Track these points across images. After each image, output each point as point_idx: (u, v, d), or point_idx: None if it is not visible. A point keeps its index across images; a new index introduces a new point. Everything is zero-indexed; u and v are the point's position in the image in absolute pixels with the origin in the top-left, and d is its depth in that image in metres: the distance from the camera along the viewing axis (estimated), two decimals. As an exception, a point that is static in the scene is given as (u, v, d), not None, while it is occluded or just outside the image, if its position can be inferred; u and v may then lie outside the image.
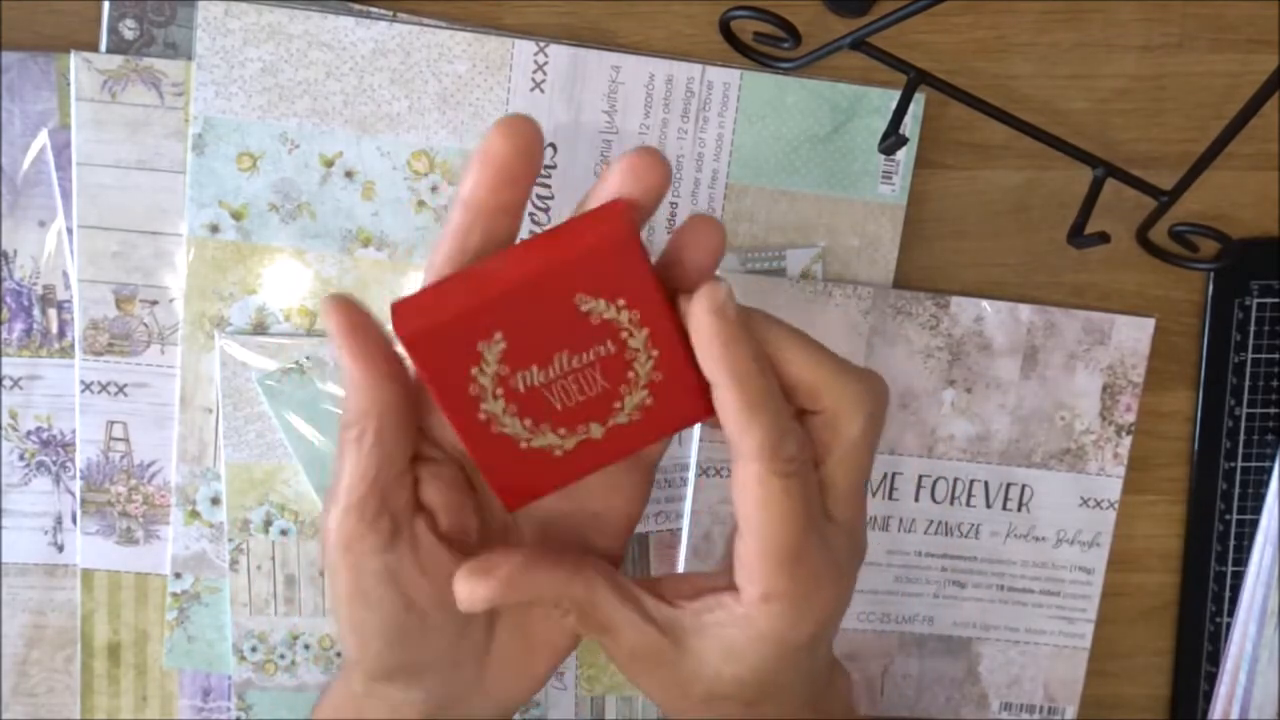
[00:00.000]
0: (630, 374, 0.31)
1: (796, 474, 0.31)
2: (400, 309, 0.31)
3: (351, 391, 0.31)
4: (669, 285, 0.31)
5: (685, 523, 0.51)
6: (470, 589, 0.32)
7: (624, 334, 0.31)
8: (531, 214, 0.49)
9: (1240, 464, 0.53)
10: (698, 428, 0.50)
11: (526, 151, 0.30)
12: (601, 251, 0.29)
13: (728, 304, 0.29)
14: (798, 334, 0.32)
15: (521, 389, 0.31)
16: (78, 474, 0.50)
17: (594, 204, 0.31)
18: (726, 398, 0.30)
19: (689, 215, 0.32)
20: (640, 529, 0.49)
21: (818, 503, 0.32)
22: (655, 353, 0.31)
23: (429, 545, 0.33)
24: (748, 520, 0.31)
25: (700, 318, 0.29)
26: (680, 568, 0.51)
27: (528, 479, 0.33)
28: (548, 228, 0.31)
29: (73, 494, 0.50)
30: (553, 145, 0.49)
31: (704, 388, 0.31)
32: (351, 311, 0.31)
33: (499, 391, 0.31)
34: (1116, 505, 0.53)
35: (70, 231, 0.48)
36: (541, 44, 0.48)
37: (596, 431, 0.32)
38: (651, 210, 0.31)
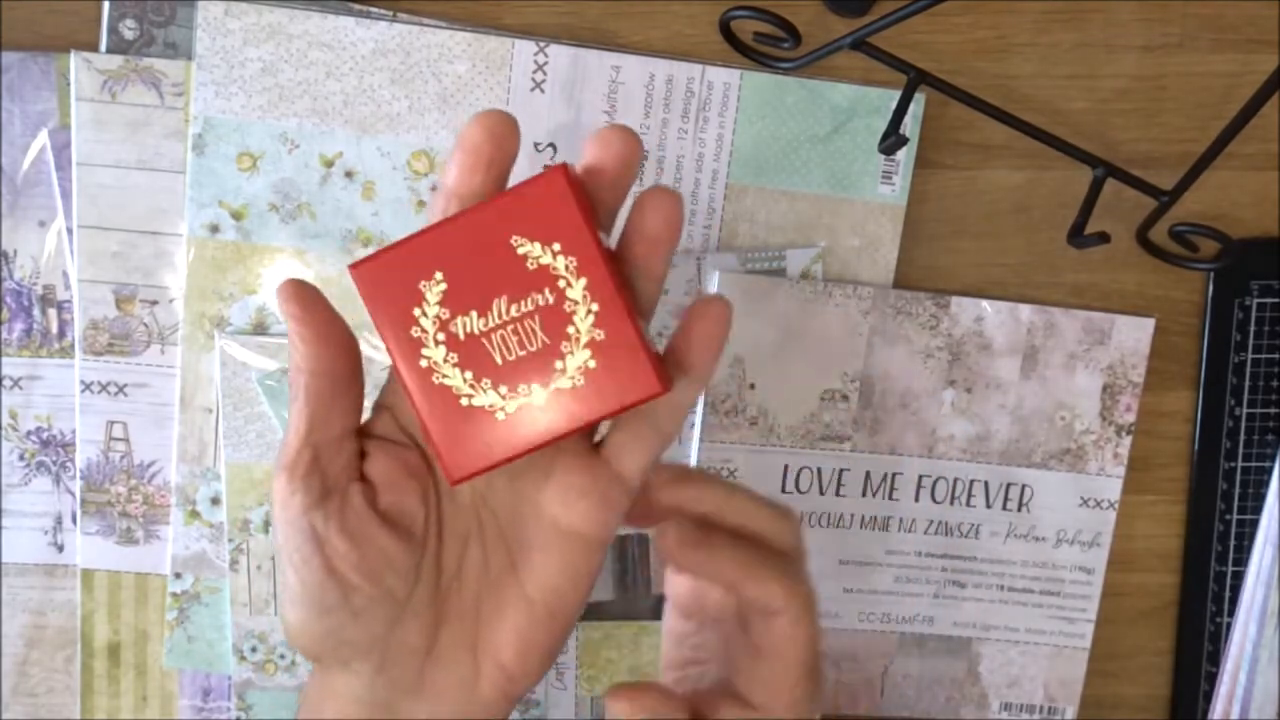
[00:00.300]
0: (570, 329, 0.31)
1: (808, 602, 0.35)
2: (358, 261, 0.32)
3: (291, 351, 0.33)
4: (627, 261, 0.32)
5: (685, 523, 0.51)
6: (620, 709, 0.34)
7: (561, 282, 0.31)
8: (531, 214, 0.49)
9: (1240, 464, 0.53)
10: (697, 428, 0.50)
11: (499, 136, 0.32)
12: (535, 194, 0.30)
13: (687, 538, 0.34)
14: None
15: (461, 335, 0.31)
16: (78, 474, 0.50)
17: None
18: (740, 588, 0.35)
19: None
20: (640, 529, 0.49)
21: (818, 615, 0.37)
22: (595, 307, 0.31)
23: (359, 512, 0.33)
24: (778, 653, 0.35)
25: (671, 563, 0.34)
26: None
27: (470, 445, 0.32)
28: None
29: (73, 494, 0.50)
30: (553, 145, 0.49)
31: (650, 356, 0.31)
32: (300, 284, 0.33)
33: (440, 337, 0.31)
34: (1116, 505, 0.53)
35: (70, 231, 0.48)
36: (541, 44, 0.48)
37: (539, 396, 0.31)
38: (624, 179, 0.32)
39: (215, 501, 0.50)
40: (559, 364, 0.31)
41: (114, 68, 0.47)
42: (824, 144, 0.49)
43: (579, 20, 0.48)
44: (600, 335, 0.31)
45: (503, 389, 0.32)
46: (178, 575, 0.51)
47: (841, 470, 0.51)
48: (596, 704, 0.53)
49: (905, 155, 0.49)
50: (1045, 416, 0.52)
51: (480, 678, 0.35)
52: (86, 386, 0.49)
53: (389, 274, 0.31)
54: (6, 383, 0.49)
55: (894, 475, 0.52)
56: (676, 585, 0.39)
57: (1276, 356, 0.52)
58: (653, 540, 0.32)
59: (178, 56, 0.47)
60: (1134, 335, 0.51)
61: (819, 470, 0.51)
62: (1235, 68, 0.50)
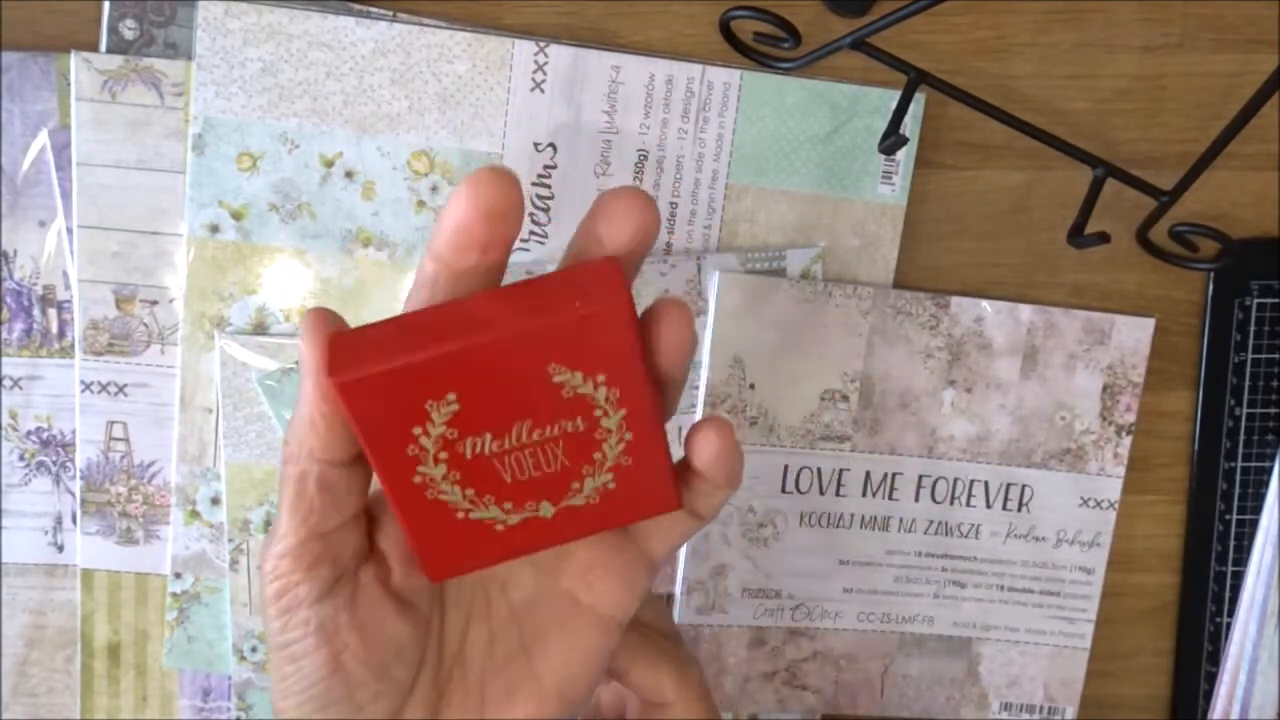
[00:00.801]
0: (597, 455, 0.28)
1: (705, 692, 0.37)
2: (342, 345, 0.26)
3: (305, 425, 0.28)
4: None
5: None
6: None
7: (598, 412, 0.27)
8: (531, 214, 0.49)
9: (1240, 464, 0.53)
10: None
11: (495, 216, 0.26)
12: (590, 321, 0.26)
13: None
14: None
15: (469, 456, 0.27)
16: (78, 474, 0.50)
17: (580, 245, 0.28)
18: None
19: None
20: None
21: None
22: (629, 436, 0.28)
23: (373, 600, 0.29)
24: None
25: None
26: (680, 568, 0.51)
27: (459, 551, 0.29)
28: (536, 276, 0.27)
29: (73, 494, 0.50)
30: (553, 145, 0.49)
31: (673, 476, 0.29)
32: (325, 322, 0.27)
33: (442, 456, 0.27)
34: (1116, 505, 0.53)
35: (70, 231, 0.48)
36: (541, 44, 0.48)
37: (546, 510, 0.29)
38: (643, 256, 0.28)
39: (215, 501, 0.50)
40: (576, 484, 0.29)
41: (114, 68, 0.47)
42: (824, 144, 0.49)
43: (579, 20, 0.48)
44: (628, 461, 0.28)
45: (507, 505, 0.29)
46: (178, 575, 0.51)
47: (841, 470, 0.51)
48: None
49: (905, 155, 0.49)
50: (1045, 416, 0.52)
51: None
52: (86, 386, 0.49)
53: (386, 391, 0.26)
54: (6, 383, 0.49)
55: (894, 475, 0.52)
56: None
57: (1276, 356, 0.52)
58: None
59: (178, 56, 0.47)
60: (1134, 335, 0.51)
61: (819, 470, 0.51)
62: (1235, 68, 0.50)
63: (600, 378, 0.27)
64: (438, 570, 0.30)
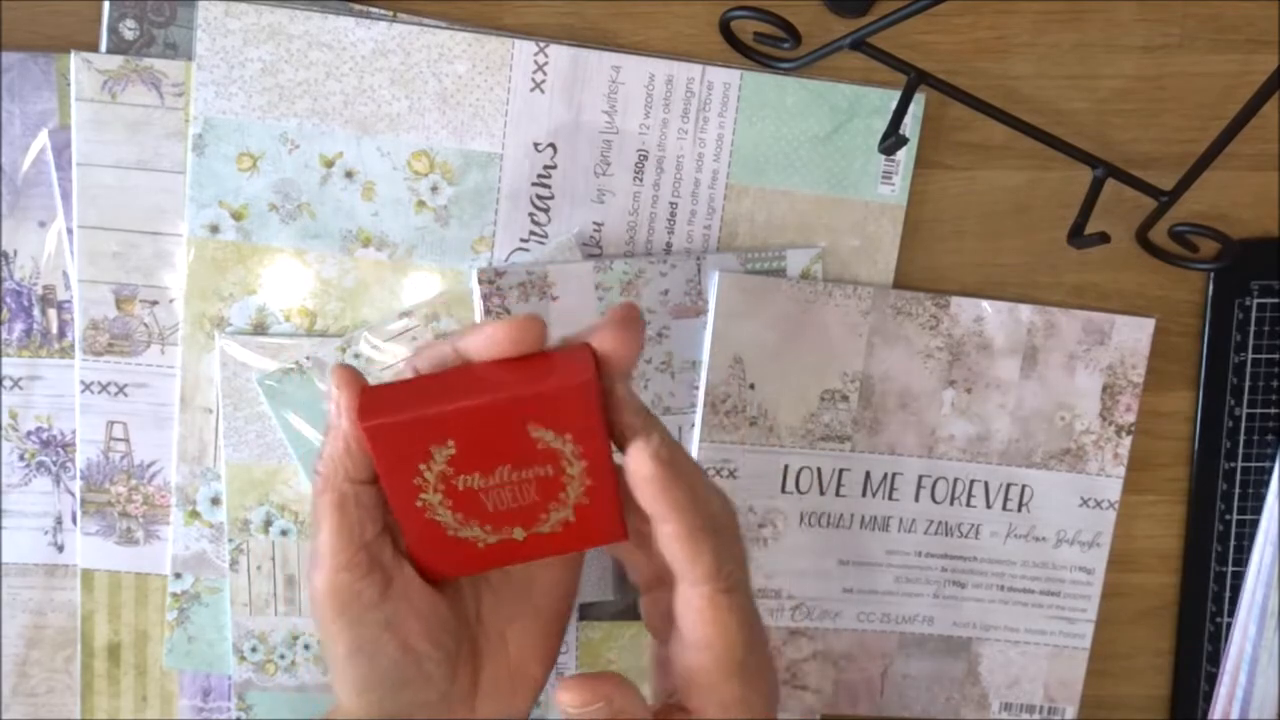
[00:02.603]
0: (561, 495, 0.35)
1: (738, 588, 0.35)
2: (369, 397, 0.34)
3: (341, 454, 0.34)
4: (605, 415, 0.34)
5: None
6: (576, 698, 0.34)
7: (564, 463, 0.34)
8: (530, 214, 0.49)
9: (1240, 464, 0.53)
10: (697, 428, 0.50)
11: (524, 343, 0.34)
12: (563, 392, 0.33)
13: (660, 451, 0.33)
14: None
15: (460, 488, 0.34)
16: (78, 474, 0.50)
17: (570, 339, 0.35)
18: (671, 530, 0.33)
19: (612, 309, 0.35)
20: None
21: (755, 612, 0.36)
22: (588, 482, 0.34)
23: (418, 589, 0.36)
24: (700, 638, 0.34)
25: (638, 470, 0.33)
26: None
27: (449, 560, 0.36)
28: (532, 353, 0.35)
29: (73, 494, 0.50)
30: (553, 145, 0.49)
31: (621, 515, 0.35)
32: (355, 378, 0.35)
33: (440, 487, 0.34)
34: (1116, 505, 0.53)
35: (70, 231, 0.48)
36: (541, 44, 0.48)
37: (519, 534, 0.35)
38: (629, 366, 0.34)
39: (215, 501, 0.50)
40: (543, 516, 0.35)
41: (114, 68, 0.47)
42: (824, 144, 0.49)
43: (579, 20, 0.48)
44: (586, 501, 0.35)
45: (488, 528, 0.35)
46: (178, 575, 0.51)
47: (841, 470, 0.51)
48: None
49: (905, 155, 0.49)
50: (1045, 416, 0.52)
51: (517, 695, 0.38)
52: (86, 386, 0.49)
53: (403, 435, 0.33)
54: (6, 383, 0.49)
55: (894, 475, 0.52)
56: (645, 605, 0.39)
57: (1276, 356, 0.52)
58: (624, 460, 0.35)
59: (178, 56, 0.47)
60: (1134, 335, 0.51)
61: (819, 470, 0.51)
62: (1235, 68, 0.50)
63: (568, 436, 0.34)
64: (432, 574, 0.36)
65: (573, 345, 0.35)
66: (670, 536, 0.34)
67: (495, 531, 0.35)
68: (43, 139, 0.48)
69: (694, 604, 0.34)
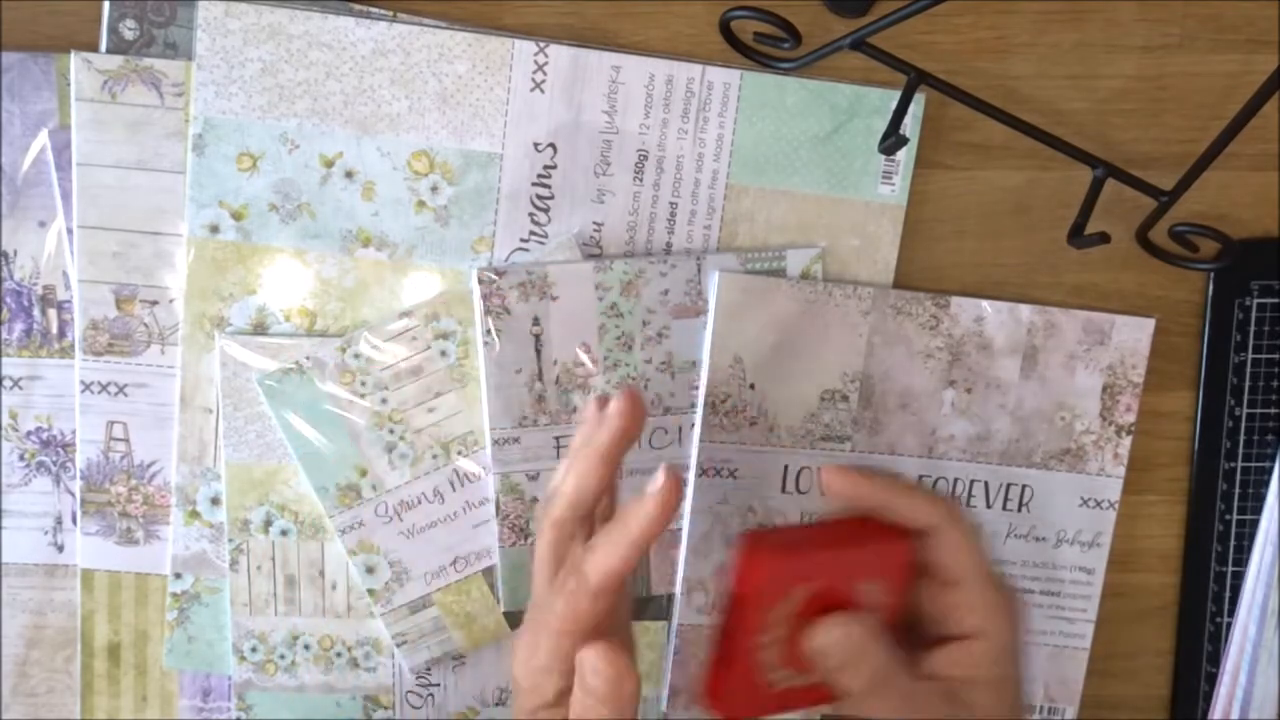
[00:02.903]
0: None
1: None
2: (758, 536, 0.40)
3: (620, 429, 0.39)
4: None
5: (685, 523, 0.51)
6: None
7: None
8: (531, 214, 0.49)
9: (1240, 464, 0.53)
10: (697, 428, 0.50)
11: (640, 424, 0.40)
12: (899, 566, 0.40)
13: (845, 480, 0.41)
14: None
15: (785, 631, 0.38)
16: (78, 474, 0.50)
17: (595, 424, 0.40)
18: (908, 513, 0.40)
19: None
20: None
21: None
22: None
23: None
24: (965, 574, 0.41)
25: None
26: (679, 566, 0.51)
27: (739, 696, 0.40)
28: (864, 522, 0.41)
29: (73, 494, 0.50)
30: (553, 145, 0.49)
31: None
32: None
33: (780, 631, 0.38)
34: (1117, 505, 0.53)
35: (70, 231, 0.48)
36: (541, 44, 0.48)
37: (802, 682, 0.39)
38: (627, 445, 0.40)
39: (215, 501, 0.50)
40: None
41: (114, 68, 0.47)
42: (824, 144, 0.49)
43: (579, 20, 0.48)
44: None
45: (789, 671, 0.39)
46: (178, 575, 0.51)
47: (841, 470, 0.51)
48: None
49: (905, 155, 0.49)
50: (1045, 417, 0.52)
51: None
52: (86, 386, 0.49)
53: (776, 567, 0.38)
54: (6, 383, 0.49)
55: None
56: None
57: (1276, 356, 0.52)
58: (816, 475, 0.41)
59: (178, 56, 0.47)
60: (1134, 335, 0.51)
61: (819, 470, 0.51)
62: (1235, 68, 0.50)
63: (877, 585, 0.39)
64: (721, 707, 0.40)
65: (894, 528, 0.40)
66: (889, 507, 0.41)
67: (796, 674, 0.39)
68: (43, 139, 0.48)
69: (960, 547, 0.41)
